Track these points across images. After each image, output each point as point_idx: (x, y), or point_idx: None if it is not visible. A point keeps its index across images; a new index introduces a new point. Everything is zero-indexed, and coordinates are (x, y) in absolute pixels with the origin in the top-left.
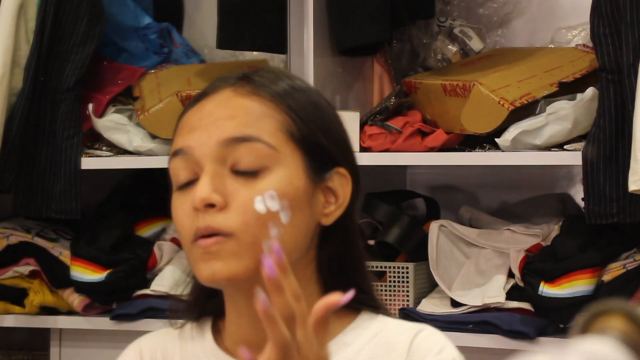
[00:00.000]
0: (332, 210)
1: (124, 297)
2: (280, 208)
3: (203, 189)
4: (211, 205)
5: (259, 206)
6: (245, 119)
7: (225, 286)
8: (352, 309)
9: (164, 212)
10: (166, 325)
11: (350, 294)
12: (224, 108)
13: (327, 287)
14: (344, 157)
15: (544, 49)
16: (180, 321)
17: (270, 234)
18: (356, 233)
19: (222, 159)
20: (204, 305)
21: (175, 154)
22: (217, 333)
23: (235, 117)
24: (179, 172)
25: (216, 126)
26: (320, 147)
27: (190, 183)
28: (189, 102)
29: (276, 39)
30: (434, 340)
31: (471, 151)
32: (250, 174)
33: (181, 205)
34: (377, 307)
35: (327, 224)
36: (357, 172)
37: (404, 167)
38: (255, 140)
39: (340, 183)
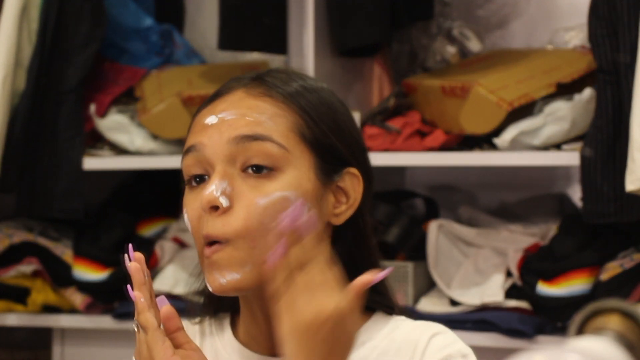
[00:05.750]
0: (342, 210)
1: (126, 296)
2: None
3: (210, 191)
4: (216, 208)
5: None
6: (256, 118)
7: (237, 294)
8: (367, 309)
9: (165, 211)
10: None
11: (385, 273)
12: (236, 107)
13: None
14: (356, 157)
15: (542, 50)
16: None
17: None
18: (368, 232)
19: (232, 159)
20: (220, 300)
21: (187, 151)
22: (235, 328)
23: (246, 115)
24: (191, 169)
25: (228, 124)
26: (332, 148)
27: (200, 181)
28: (203, 103)
29: (277, 40)
30: (447, 338)
31: (470, 151)
32: (260, 175)
33: (191, 203)
34: (392, 307)
35: (338, 224)
36: (369, 172)
37: (403, 167)
38: (266, 139)
39: (352, 183)
